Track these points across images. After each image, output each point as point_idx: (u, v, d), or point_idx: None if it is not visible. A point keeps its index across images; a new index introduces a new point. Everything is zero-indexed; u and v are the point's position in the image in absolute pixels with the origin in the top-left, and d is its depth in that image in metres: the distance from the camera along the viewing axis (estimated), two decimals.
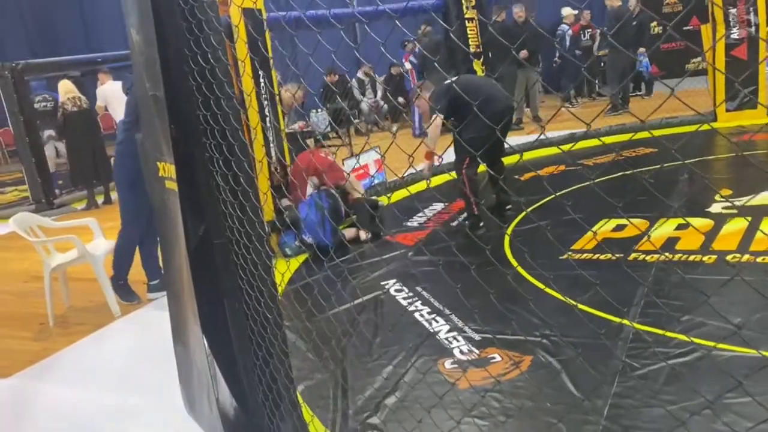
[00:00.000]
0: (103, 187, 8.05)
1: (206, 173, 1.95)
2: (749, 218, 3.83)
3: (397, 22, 1.51)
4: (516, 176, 5.73)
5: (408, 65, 10.24)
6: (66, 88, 7.65)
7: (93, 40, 13.93)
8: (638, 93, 10.34)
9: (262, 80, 4.51)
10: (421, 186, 5.82)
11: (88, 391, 3.16)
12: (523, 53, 8.24)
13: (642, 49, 9.24)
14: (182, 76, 1.90)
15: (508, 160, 6.10)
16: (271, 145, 4.86)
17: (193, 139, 1.95)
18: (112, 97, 8.18)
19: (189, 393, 2.40)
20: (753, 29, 6.60)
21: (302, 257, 4.50)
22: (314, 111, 6.85)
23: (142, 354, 3.49)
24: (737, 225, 3.78)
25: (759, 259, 3.27)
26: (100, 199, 8.10)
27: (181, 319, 2.28)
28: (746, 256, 3.33)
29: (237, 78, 3.88)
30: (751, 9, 6.60)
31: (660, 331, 2.71)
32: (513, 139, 6.54)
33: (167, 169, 2.09)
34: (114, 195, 8.28)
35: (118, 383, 3.19)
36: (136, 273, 4.30)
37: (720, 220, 3.91)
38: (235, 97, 1.92)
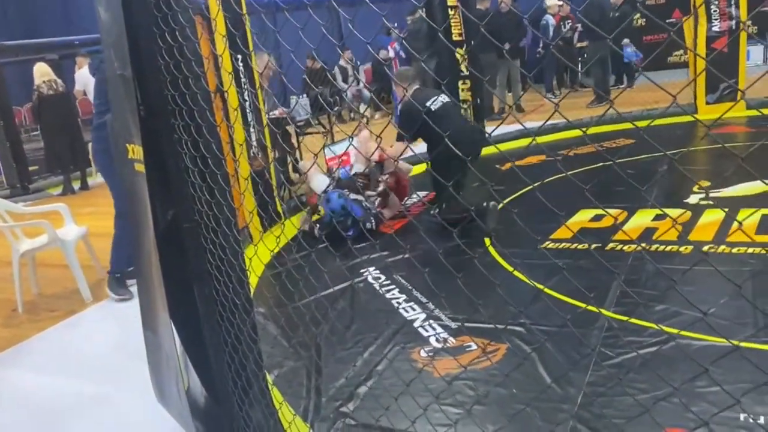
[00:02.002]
0: (80, 173, 7.93)
1: (175, 155, 1.90)
2: (726, 209, 3.85)
3: (376, 7, 1.46)
4: (497, 166, 5.72)
5: (392, 53, 10.17)
6: (41, 71, 7.50)
7: (72, 23, 13.67)
8: (620, 86, 10.37)
9: (240, 64, 4.44)
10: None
11: (58, 378, 3.11)
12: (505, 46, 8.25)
13: (626, 40, 9.27)
14: (151, 54, 1.84)
15: (487, 150, 6.11)
16: (252, 129, 4.80)
17: (162, 120, 1.89)
18: (90, 81, 8.04)
19: (158, 380, 2.35)
20: (734, 22, 6.63)
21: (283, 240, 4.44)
22: (295, 97, 6.78)
23: (114, 341, 3.44)
24: (714, 216, 3.79)
25: (735, 250, 3.29)
26: (76, 185, 7.98)
27: (150, 304, 2.23)
28: (722, 247, 3.35)
29: (215, 65, 3.81)
30: (733, 2, 6.62)
31: (635, 321, 2.71)
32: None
33: (136, 151, 2.04)
34: (91, 180, 8.20)
35: (88, 370, 3.14)
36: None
37: (697, 211, 3.93)
38: (204, 77, 1.86)
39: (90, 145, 4.12)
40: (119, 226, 3.97)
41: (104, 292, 4.07)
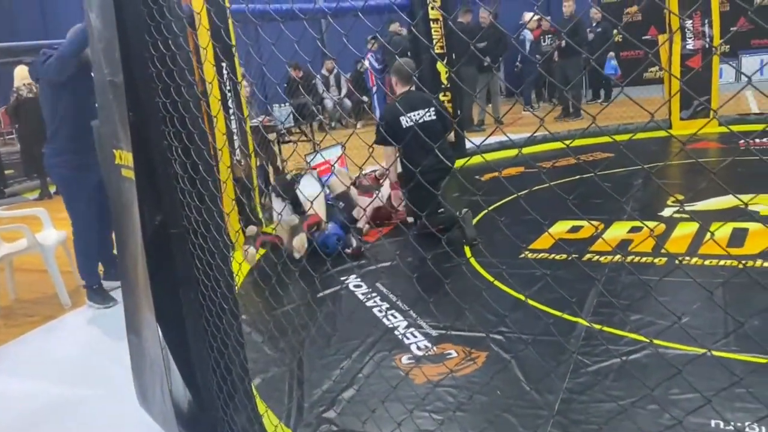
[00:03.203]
0: None
1: (164, 161, 1.92)
2: (699, 222, 3.95)
3: (362, 17, 1.51)
4: (477, 176, 5.80)
5: (366, 64, 10.25)
6: (23, 74, 7.46)
7: (50, 28, 13.57)
8: (598, 100, 10.57)
9: (225, 71, 4.45)
10: None
11: (35, 383, 3.09)
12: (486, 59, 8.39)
13: (612, 53, 9.51)
14: (142, 62, 1.87)
15: (471, 161, 6.18)
16: (235, 136, 4.82)
17: (152, 127, 1.92)
18: None
19: (141, 384, 2.36)
20: (707, 41, 6.82)
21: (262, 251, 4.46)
22: (278, 105, 6.81)
23: (94, 346, 3.42)
24: (688, 229, 3.90)
25: (707, 262, 3.39)
26: (52, 189, 7.90)
27: (135, 309, 2.25)
28: (695, 259, 3.44)
29: (199, 67, 3.82)
30: (706, 21, 6.82)
31: (611, 329, 2.78)
32: (475, 140, 6.60)
33: (124, 157, 2.06)
34: None
35: (67, 375, 3.12)
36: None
37: (671, 223, 4.04)
38: (196, 85, 1.90)
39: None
40: (80, 239, 3.93)
41: (83, 297, 4.05)
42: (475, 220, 4.63)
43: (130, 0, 1.83)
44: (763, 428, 2.01)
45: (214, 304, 1.93)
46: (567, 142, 6.44)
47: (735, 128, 6.60)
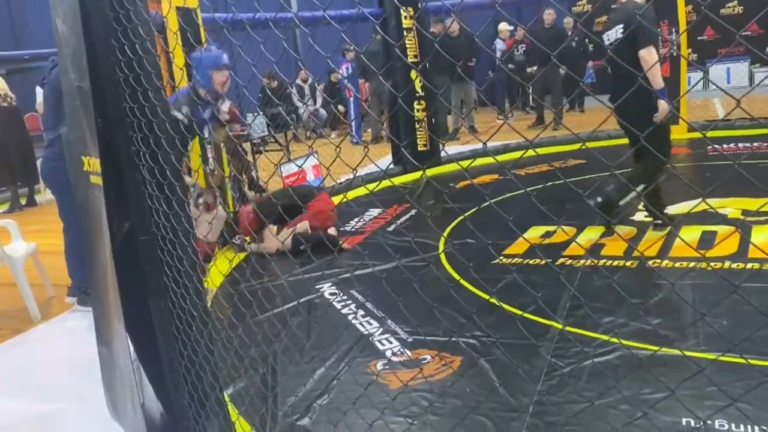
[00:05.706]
0: (27, 189, 7.74)
1: (132, 167, 1.90)
2: (670, 227, 4.01)
3: (337, 27, 1.51)
4: (451, 184, 5.83)
5: (344, 72, 10.28)
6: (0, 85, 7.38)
7: (19, 39, 13.39)
8: (576, 109, 10.70)
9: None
10: (360, 191, 5.85)
11: (5, 398, 3.02)
12: (462, 64, 8.49)
13: (591, 63, 9.69)
14: (109, 67, 1.85)
15: (441, 169, 6.21)
16: (208, 146, 4.78)
17: (120, 132, 1.89)
18: None
19: (112, 396, 2.32)
20: (675, 48, 6.96)
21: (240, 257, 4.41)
22: (251, 115, 6.80)
23: (64, 359, 3.35)
24: (658, 232, 3.95)
25: (677, 264, 3.44)
26: (23, 201, 7.77)
27: (105, 319, 2.21)
28: (665, 262, 3.49)
29: (169, 76, 3.80)
30: (674, 29, 6.96)
31: (584, 331, 2.80)
32: (449, 149, 6.65)
33: (92, 164, 2.03)
34: (39, 198, 8.00)
35: (38, 389, 3.06)
36: (63, 278, 4.12)
37: (642, 227, 4.09)
38: (164, 90, 1.88)
39: (40, 161, 3.94)
40: (74, 244, 3.88)
41: (53, 310, 3.99)
42: (449, 227, 4.66)
43: (96, 5, 1.81)
44: (733, 424, 2.04)
45: (183, 311, 1.90)
46: (539, 150, 6.51)
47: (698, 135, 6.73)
